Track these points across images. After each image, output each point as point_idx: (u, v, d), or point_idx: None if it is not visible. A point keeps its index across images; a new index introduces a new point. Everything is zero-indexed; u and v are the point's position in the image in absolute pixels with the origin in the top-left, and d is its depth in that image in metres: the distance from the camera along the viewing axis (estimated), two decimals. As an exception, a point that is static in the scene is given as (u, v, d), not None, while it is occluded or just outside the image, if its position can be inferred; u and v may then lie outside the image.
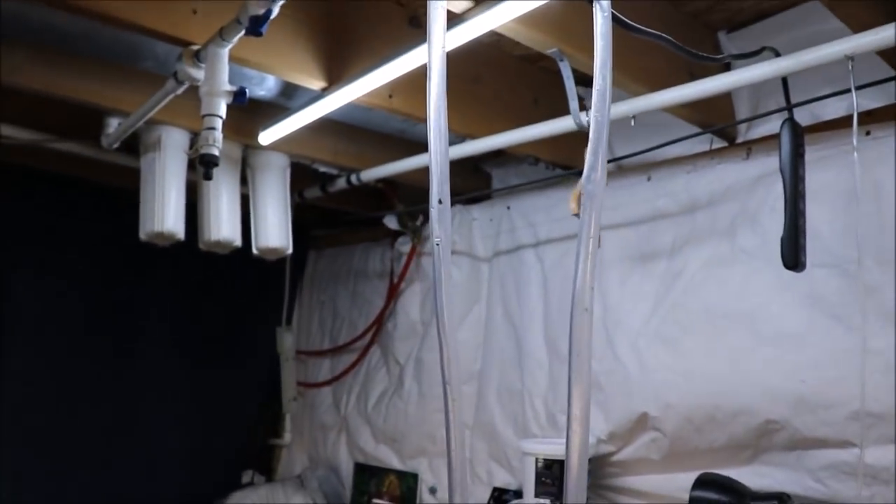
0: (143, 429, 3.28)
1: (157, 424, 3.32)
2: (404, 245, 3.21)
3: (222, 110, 1.71)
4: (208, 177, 1.74)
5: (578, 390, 0.92)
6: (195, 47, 1.76)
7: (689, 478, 1.89)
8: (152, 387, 3.31)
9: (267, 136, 2.40)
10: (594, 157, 0.89)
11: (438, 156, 0.98)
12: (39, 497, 2.94)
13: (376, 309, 3.32)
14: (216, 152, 1.68)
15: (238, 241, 2.60)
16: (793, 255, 1.63)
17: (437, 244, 1.01)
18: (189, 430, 3.42)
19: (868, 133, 1.83)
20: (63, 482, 3.00)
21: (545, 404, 2.48)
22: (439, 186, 0.98)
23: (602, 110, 0.88)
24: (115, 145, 2.38)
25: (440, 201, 0.99)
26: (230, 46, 1.68)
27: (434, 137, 1.01)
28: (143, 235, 2.46)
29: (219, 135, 1.69)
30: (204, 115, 1.70)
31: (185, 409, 3.41)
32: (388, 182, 2.97)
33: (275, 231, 2.65)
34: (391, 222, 3.16)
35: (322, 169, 2.82)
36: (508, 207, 2.79)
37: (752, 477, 1.92)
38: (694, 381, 2.05)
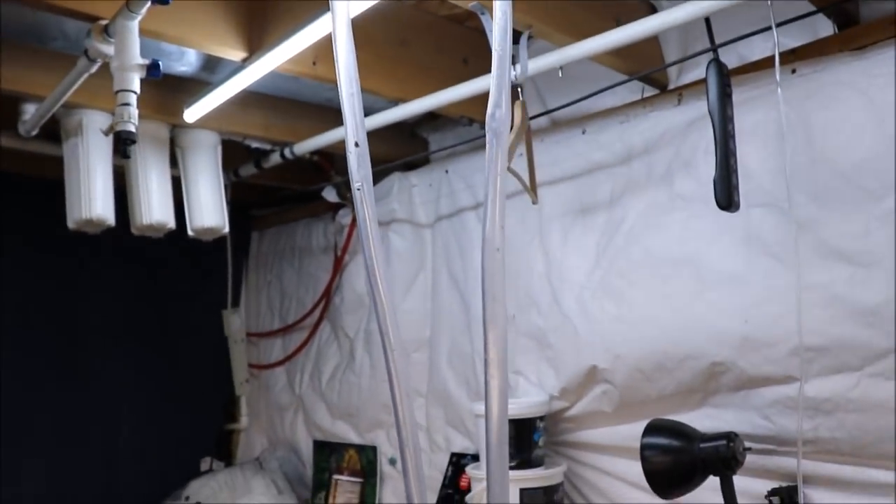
0: (94, 422, 3.23)
1: (109, 417, 3.27)
2: (345, 217, 3.17)
3: (136, 85, 1.65)
4: (126, 155, 1.68)
5: (494, 334, 0.89)
6: (103, 22, 1.69)
7: (641, 427, 1.89)
8: (101, 380, 3.25)
9: (192, 114, 2.33)
10: (498, 93, 0.85)
11: (351, 98, 0.94)
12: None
13: (323, 284, 3.28)
14: (132, 128, 1.62)
15: (171, 224, 2.54)
16: (726, 195, 1.63)
17: (358, 189, 0.97)
18: (143, 420, 3.37)
19: (794, 71, 1.82)
20: (16, 477, 2.94)
21: (497, 366, 2.47)
22: (354, 129, 0.94)
23: (503, 43, 0.84)
24: (34, 132, 2.29)
25: (356, 144, 0.95)
26: (139, 18, 1.62)
27: (344, 78, 0.96)
28: (71, 224, 2.39)
29: (134, 111, 1.63)
30: (117, 92, 1.64)
31: (136, 400, 3.36)
32: (324, 154, 2.93)
33: (209, 210, 2.59)
34: (330, 195, 3.10)
35: (255, 145, 2.77)
36: (447, 171, 2.75)
37: (703, 420, 1.94)
38: (641, 330, 2.05)
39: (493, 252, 0.88)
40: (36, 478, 3.03)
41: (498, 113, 0.85)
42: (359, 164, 0.95)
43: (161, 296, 3.43)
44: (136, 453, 3.33)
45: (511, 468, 2.12)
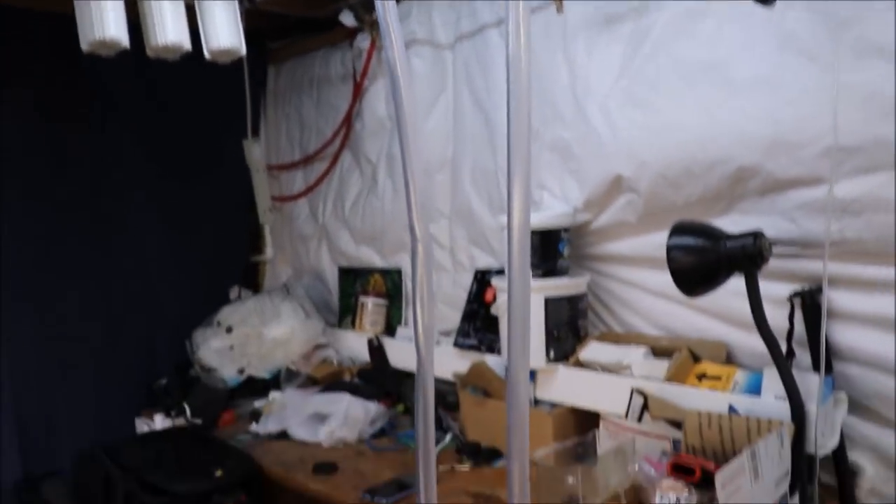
0: (126, 256, 3.26)
1: (137, 253, 3.31)
2: (364, 42, 3.08)
3: None
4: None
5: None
6: None
7: (665, 236, 1.90)
8: (125, 220, 3.25)
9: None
10: None
11: None
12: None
13: (342, 113, 3.24)
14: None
15: (187, 45, 2.46)
16: (764, -15, 1.55)
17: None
18: (170, 257, 3.41)
19: None
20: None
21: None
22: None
23: None
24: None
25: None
26: None
27: None
28: (85, 46, 2.33)
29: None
30: None
31: (162, 237, 3.38)
32: (339, -27, 2.81)
33: (224, 30, 2.51)
34: (347, 18, 3.00)
35: (266, -37, 2.65)
36: (467, -12, 2.65)
37: (728, 226, 1.93)
38: (667, 136, 2.02)
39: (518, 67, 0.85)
40: (74, 316, 3.11)
41: None
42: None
43: (180, 132, 3.39)
44: (167, 289, 3.40)
45: (536, 277, 2.17)
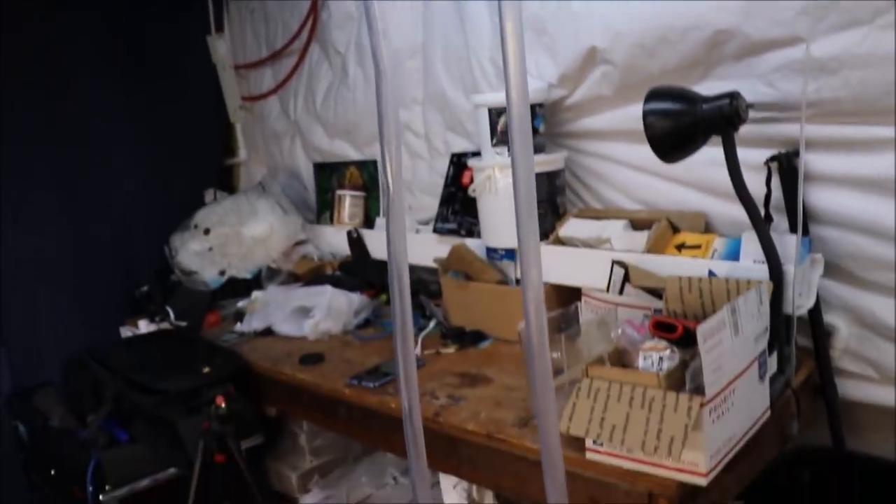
0: (95, 167, 3.21)
1: (112, 153, 3.25)
2: (327, -75, 2.96)
3: None
4: None
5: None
6: None
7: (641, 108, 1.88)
8: (97, 117, 3.19)
9: None
10: None
11: None
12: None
13: (308, 4, 3.14)
14: None
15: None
16: None
17: None
18: (143, 163, 3.36)
19: None
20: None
21: (493, 62, 2.41)
22: None
23: None
24: None
25: None
26: None
27: None
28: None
29: None
30: None
31: (133, 145, 3.33)
32: None
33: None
34: None
35: None
36: None
37: (705, 92, 1.90)
38: (641, 4, 1.97)
39: None
40: (49, 228, 3.08)
41: None
42: None
43: (142, 31, 3.28)
44: (141, 196, 3.35)
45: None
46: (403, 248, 0.85)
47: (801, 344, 1.95)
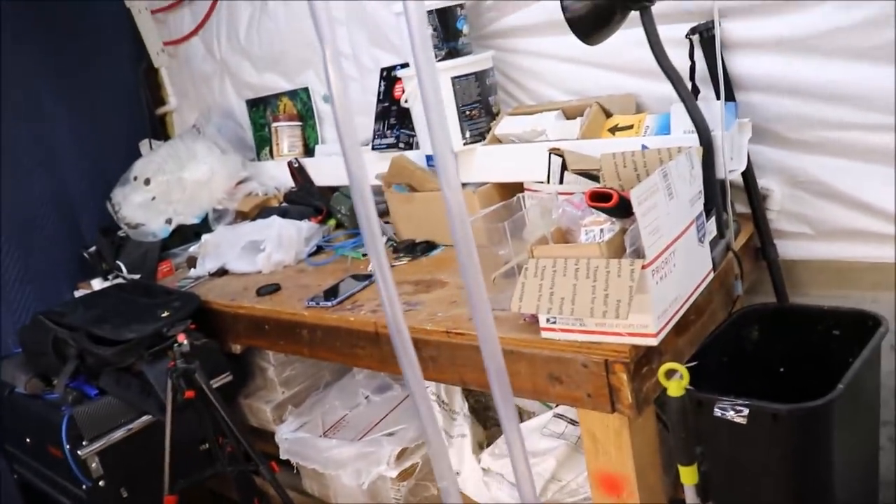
0: (27, 128, 3.12)
1: (33, 117, 3.16)
2: None
3: None
4: None
5: None
6: None
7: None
8: (12, 81, 3.09)
9: None
10: None
11: None
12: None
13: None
14: None
15: None
16: None
17: None
18: (68, 117, 3.27)
19: None
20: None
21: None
22: None
23: None
24: None
25: None
26: None
27: None
28: None
29: None
30: None
31: (53, 94, 3.23)
32: None
33: None
34: None
35: None
36: None
37: None
38: None
39: None
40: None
41: None
42: None
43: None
44: (74, 155, 3.28)
45: (439, 61, 2.15)
46: (360, 163, 0.84)
47: (740, 211, 2.02)
